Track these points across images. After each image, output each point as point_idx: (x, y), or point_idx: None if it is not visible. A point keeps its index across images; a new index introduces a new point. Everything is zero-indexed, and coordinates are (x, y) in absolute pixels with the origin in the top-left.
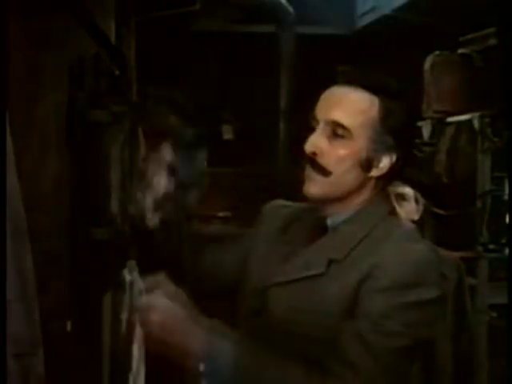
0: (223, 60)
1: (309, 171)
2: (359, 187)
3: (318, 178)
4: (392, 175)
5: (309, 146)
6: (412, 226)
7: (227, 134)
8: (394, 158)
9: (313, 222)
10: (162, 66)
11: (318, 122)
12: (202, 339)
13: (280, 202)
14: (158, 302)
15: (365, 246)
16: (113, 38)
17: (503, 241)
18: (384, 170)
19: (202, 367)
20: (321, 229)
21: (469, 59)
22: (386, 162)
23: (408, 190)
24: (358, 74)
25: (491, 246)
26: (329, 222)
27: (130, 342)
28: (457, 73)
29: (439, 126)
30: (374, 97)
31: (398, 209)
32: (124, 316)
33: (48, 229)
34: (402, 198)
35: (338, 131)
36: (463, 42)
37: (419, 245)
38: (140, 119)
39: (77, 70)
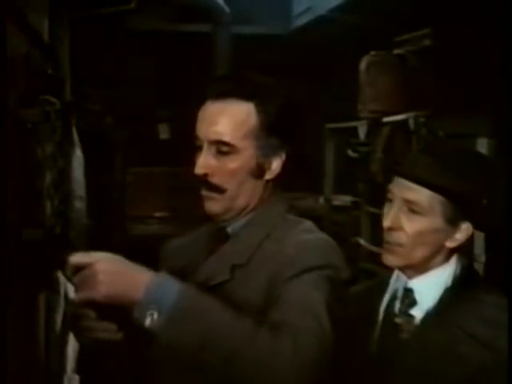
0: (159, 59)
1: (205, 191)
2: (256, 192)
3: (216, 196)
4: (285, 172)
5: (199, 169)
6: (310, 221)
7: (164, 133)
8: (284, 156)
9: (214, 233)
10: (97, 64)
11: (201, 141)
12: (149, 276)
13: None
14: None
15: (268, 247)
16: (46, 37)
17: None
18: (277, 171)
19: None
20: (222, 238)
21: (404, 59)
22: (277, 163)
23: (422, 199)
24: (227, 84)
25: None
26: (229, 230)
27: (64, 343)
28: (392, 73)
29: (375, 125)
30: (249, 103)
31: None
32: (59, 317)
33: None
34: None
35: (222, 149)
36: (398, 42)
37: (320, 234)
38: (74, 118)
39: (8, 69)
